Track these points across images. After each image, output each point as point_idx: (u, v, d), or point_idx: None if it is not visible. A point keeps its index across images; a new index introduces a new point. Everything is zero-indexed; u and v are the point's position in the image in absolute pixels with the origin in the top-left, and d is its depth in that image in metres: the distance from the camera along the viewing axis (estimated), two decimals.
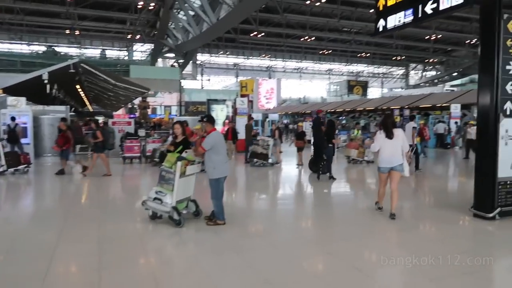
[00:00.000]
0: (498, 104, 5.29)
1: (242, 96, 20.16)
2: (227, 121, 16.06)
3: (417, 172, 10.93)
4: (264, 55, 47.87)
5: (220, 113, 16.52)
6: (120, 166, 11.99)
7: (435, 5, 5.59)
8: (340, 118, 31.29)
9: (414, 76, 60.83)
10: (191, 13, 29.52)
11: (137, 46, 43.77)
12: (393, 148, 6.07)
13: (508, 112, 5.40)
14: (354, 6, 32.35)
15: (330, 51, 47.85)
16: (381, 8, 6.69)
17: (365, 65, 56.76)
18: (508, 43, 5.25)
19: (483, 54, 5.44)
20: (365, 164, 13.17)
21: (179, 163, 5.26)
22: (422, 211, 6.86)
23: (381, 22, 6.71)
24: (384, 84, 62.85)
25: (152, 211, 5.59)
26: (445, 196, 8.55)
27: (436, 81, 56.38)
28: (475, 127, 13.34)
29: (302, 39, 40.67)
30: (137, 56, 44.49)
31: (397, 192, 6.09)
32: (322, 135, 10.05)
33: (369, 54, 49.67)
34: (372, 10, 31.65)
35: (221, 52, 46.12)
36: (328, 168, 9.91)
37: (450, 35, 39.30)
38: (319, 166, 10.02)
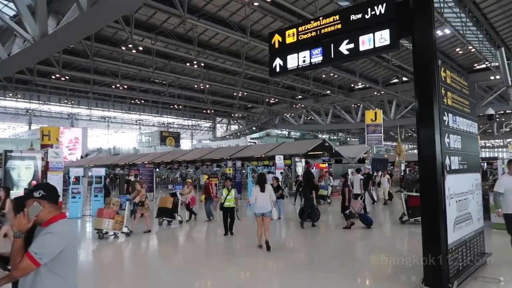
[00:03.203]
0: (443, 160, 4.72)
1: (43, 146, 16.64)
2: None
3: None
4: (66, 101, 42.52)
5: (24, 172, 12.14)
6: None
7: (352, 45, 5.02)
8: (157, 170, 29.89)
9: (220, 129, 64.92)
10: None
11: None
12: (264, 199, 8.41)
13: (448, 168, 4.88)
14: (167, 59, 32.23)
15: (142, 101, 46.39)
16: (276, 46, 5.87)
17: (175, 116, 57.39)
18: (442, 92, 4.89)
19: (423, 105, 4.87)
20: (124, 238, 10.17)
21: None
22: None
23: (278, 61, 5.87)
24: (193, 136, 64.72)
25: None
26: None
27: (239, 134, 61.51)
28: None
29: (113, 87, 38.03)
30: None
31: (269, 230, 8.47)
32: (312, 187, 11.44)
33: (180, 106, 50.40)
34: (188, 64, 32.31)
35: (10, 95, 38.64)
36: (311, 216, 11.44)
37: (251, 93, 43.47)
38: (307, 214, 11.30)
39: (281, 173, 17.48)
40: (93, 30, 21.35)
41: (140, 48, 27.65)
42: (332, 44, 5.31)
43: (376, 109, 35.48)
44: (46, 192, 2.65)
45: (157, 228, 11.93)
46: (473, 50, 30.90)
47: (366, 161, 21.97)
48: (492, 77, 35.95)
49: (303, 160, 18.43)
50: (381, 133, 23.27)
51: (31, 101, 42.83)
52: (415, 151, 73.00)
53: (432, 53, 4.75)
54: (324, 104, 47.38)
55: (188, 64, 32.28)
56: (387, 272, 6.45)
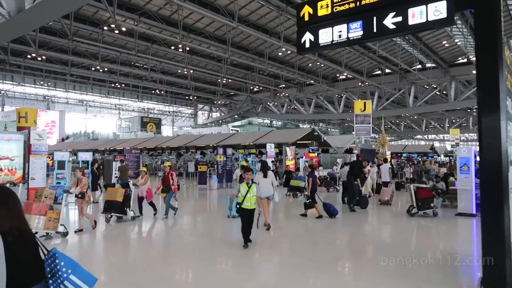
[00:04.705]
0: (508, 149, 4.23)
1: (20, 129, 15.74)
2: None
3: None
4: (42, 82, 40.68)
5: None
6: None
7: (399, 18, 4.41)
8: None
9: (201, 116, 63.91)
10: None
11: None
12: (267, 184, 9.50)
13: (510, 158, 4.39)
14: (149, 42, 31.14)
15: (123, 85, 44.93)
16: (306, 18, 5.21)
17: (156, 102, 56.08)
18: (505, 73, 4.36)
19: (487, 87, 4.29)
20: (59, 239, 8.34)
21: None
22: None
23: (308, 36, 5.23)
24: (174, 123, 63.51)
25: None
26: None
27: (220, 121, 60.71)
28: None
29: (93, 69, 36.59)
30: None
31: (268, 210, 9.76)
32: (356, 174, 12.14)
33: (162, 92, 49.18)
34: (172, 48, 31.33)
35: None
36: (350, 201, 12.33)
37: (235, 80, 42.77)
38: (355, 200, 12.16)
39: (273, 161, 16.99)
40: (73, 7, 20.24)
41: (123, 29, 26.52)
42: (375, 17, 4.69)
43: (358, 99, 35.54)
44: None
45: (103, 227, 10.06)
46: (459, 43, 31.20)
47: (354, 151, 21.79)
48: (474, 71, 36.52)
49: (292, 148, 17.95)
50: (369, 123, 23.13)
51: (4, 81, 40.80)
52: (393, 143, 74.23)
53: (499, 28, 4.20)
54: (307, 93, 47.23)
55: (172, 47, 31.34)
56: (426, 272, 5.93)
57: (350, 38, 5.00)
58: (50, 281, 2.26)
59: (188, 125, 62.67)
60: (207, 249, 7.85)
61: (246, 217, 7.76)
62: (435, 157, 43.26)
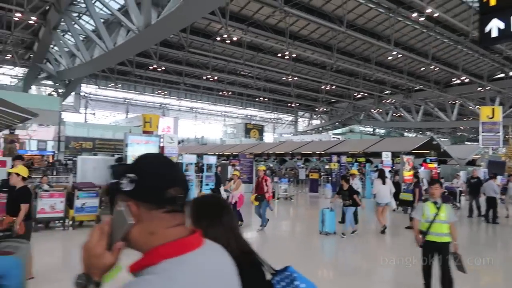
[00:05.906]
0: None
1: (145, 133, 17.19)
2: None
3: None
4: (160, 91, 44.79)
5: None
6: None
7: None
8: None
9: (302, 123, 63.94)
10: (81, 36, 25.48)
11: (5, 69, 36.58)
12: (385, 191, 10.09)
13: None
14: (255, 51, 32.17)
15: (230, 92, 47.18)
16: (493, 3, 4.34)
17: (258, 109, 57.74)
18: None
19: None
20: None
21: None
22: None
23: (495, 23, 4.33)
24: (275, 130, 64.65)
25: None
26: None
27: (320, 129, 60.00)
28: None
29: (204, 78, 39.15)
30: (4, 80, 37.15)
31: (385, 216, 10.34)
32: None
33: (266, 99, 50.42)
34: (279, 55, 31.93)
35: (112, 85, 41.62)
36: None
37: (338, 86, 41.95)
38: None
39: (390, 171, 15.83)
40: (192, 20, 21.80)
41: (234, 39, 27.75)
42: None
43: (475, 106, 32.05)
44: (142, 178, 1.04)
45: None
46: None
47: (481, 163, 19.43)
48: None
49: (409, 158, 16.60)
50: (499, 132, 20.46)
51: (129, 91, 45.80)
52: None
53: None
54: (416, 100, 44.21)
55: (279, 55, 31.93)
56: None
57: None
58: None
59: (288, 132, 63.22)
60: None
61: (433, 252, 5.01)
62: None
